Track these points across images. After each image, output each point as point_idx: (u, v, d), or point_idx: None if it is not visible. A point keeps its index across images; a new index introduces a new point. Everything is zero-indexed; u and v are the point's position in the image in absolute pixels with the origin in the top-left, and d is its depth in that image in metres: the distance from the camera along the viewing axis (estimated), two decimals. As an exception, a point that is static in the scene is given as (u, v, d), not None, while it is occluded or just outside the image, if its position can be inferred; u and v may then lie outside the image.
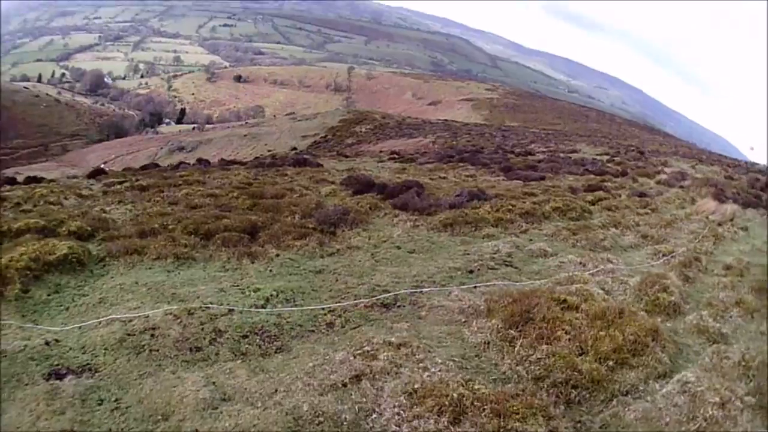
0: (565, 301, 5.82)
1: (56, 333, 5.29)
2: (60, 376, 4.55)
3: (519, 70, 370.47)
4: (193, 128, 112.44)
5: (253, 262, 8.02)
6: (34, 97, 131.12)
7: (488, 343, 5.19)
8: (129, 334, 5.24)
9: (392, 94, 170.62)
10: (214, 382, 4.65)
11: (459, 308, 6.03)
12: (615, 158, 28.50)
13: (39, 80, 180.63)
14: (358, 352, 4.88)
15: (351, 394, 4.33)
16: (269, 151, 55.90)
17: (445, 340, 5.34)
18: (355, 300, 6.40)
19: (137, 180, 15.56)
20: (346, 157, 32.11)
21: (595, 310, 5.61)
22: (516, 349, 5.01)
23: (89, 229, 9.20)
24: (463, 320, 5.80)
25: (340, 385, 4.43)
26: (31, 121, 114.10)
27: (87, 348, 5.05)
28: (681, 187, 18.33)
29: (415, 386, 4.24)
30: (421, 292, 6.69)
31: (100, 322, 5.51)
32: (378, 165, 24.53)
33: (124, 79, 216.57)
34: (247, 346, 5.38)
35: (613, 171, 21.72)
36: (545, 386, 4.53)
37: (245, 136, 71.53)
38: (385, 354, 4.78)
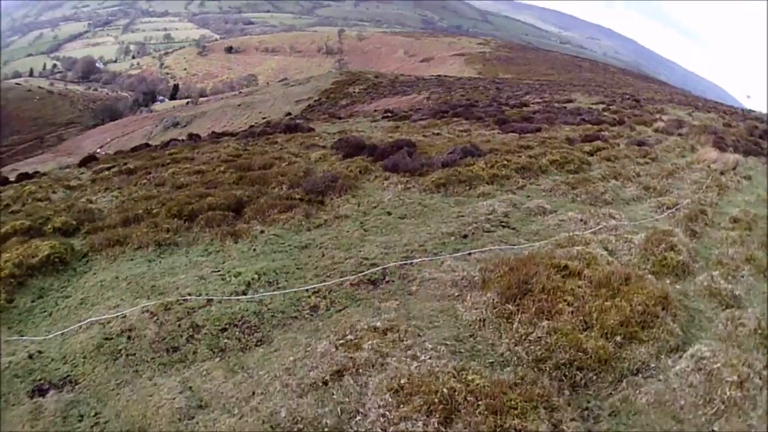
0: (566, 267, 5.32)
1: (39, 343, 5.23)
2: (43, 392, 4.53)
3: (510, 24, 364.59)
4: (187, 103, 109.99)
5: (236, 242, 7.63)
6: (26, 92, 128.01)
7: (484, 320, 4.73)
8: (107, 338, 5.11)
9: (384, 53, 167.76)
10: (190, 387, 4.41)
11: (452, 280, 5.57)
12: (611, 107, 27.98)
13: (31, 74, 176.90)
14: (341, 342, 4.46)
15: (333, 393, 3.94)
16: (264, 118, 55.25)
17: (437, 320, 4.90)
18: (341, 277, 5.97)
19: (125, 164, 15.07)
20: (340, 119, 31.35)
21: (599, 277, 5.11)
22: (514, 326, 4.54)
23: (74, 223, 9.06)
24: (457, 294, 5.34)
25: (320, 384, 4.04)
26: (25, 116, 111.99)
27: (68, 357, 4.95)
28: (679, 135, 17.73)
29: (402, 381, 3.81)
30: (412, 263, 6.23)
31: (80, 327, 5.38)
32: (371, 125, 23.79)
33: (115, 62, 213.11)
34: (225, 340, 5.07)
35: (610, 120, 21.11)
36: (547, 369, 4.10)
37: (239, 105, 70.67)
38: (369, 342, 4.35)
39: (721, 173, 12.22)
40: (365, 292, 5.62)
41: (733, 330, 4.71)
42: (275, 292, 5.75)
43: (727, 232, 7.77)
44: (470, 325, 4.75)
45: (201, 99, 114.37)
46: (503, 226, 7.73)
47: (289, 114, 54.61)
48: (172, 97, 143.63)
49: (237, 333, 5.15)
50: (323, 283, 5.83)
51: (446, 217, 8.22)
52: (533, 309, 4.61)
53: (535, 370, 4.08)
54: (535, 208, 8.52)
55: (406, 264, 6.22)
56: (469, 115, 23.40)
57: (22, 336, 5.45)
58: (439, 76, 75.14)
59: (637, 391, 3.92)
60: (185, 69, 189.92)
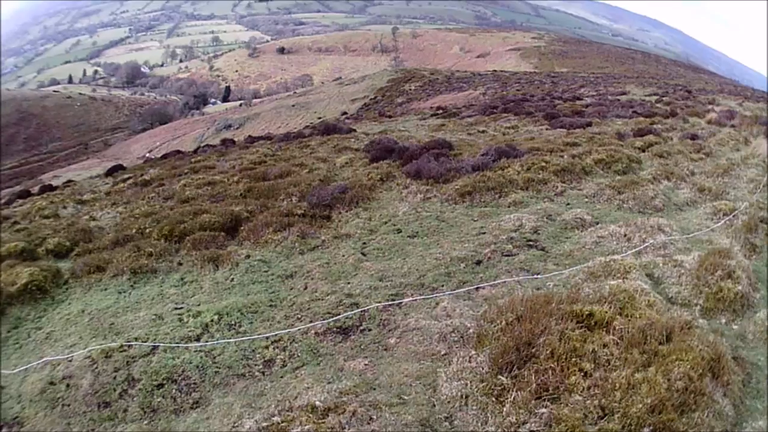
0: (590, 315, 3.96)
1: (6, 377, 5.08)
2: (-1, 428, 4.43)
3: (562, 18, 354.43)
4: (240, 105, 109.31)
5: (216, 269, 6.77)
6: (66, 99, 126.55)
7: (467, 397, 3.45)
8: (51, 383, 4.78)
9: (439, 50, 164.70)
10: (108, 455, 3.75)
11: (440, 332, 4.30)
12: (664, 98, 26.79)
13: (70, 81, 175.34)
14: (266, 424, 3.34)
15: None
16: (319, 118, 55.02)
17: (408, 391, 3.68)
18: (311, 321, 4.86)
19: (141, 174, 14.57)
20: (389, 117, 30.44)
21: (633, 330, 3.73)
22: (505, 409, 3.26)
23: (68, 244, 8.67)
24: (443, 353, 4.08)
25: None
26: (66, 123, 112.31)
27: (22, 396, 4.76)
28: (732, 126, 16.27)
29: None
30: (400, 304, 5.02)
31: (38, 365, 5.11)
32: (418, 123, 22.66)
33: (162, 66, 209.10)
34: (159, 399, 4.33)
35: (663, 112, 19.72)
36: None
37: (293, 106, 70.73)
38: (300, 429, 3.21)
39: (777, 168, 10.60)
40: (331, 345, 4.49)
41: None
42: (230, 340, 4.74)
43: (790, 244, 6.26)
44: (449, 402, 3.49)
45: (254, 100, 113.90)
46: (529, 246, 6.42)
47: (345, 113, 54.27)
48: (225, 99, 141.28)
49: (174, 391, 4.34)
50: (287, 330, 4.74)
51: (464, 234, 6.97)
52: (534, 384, 3.30)
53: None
54: (572, 220, 7.16)
55: (392, 304, 5.02)
56: (519, 111, 22.14)
57: (-6, 368, 5.22)
58: (495, 71, 73.09)
59: None
60: (237, 71, 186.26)
